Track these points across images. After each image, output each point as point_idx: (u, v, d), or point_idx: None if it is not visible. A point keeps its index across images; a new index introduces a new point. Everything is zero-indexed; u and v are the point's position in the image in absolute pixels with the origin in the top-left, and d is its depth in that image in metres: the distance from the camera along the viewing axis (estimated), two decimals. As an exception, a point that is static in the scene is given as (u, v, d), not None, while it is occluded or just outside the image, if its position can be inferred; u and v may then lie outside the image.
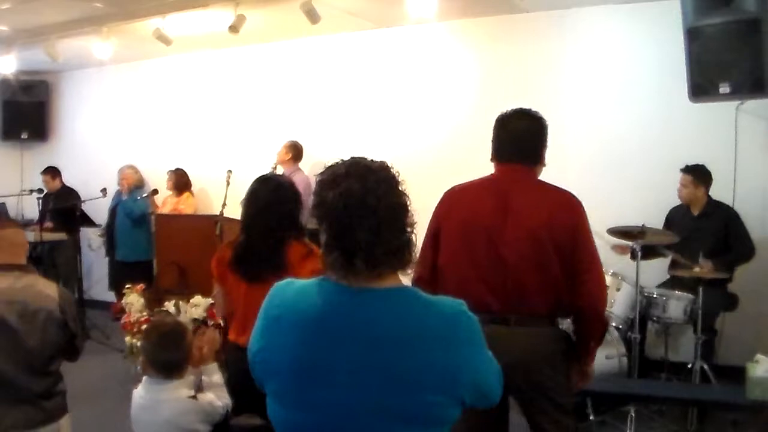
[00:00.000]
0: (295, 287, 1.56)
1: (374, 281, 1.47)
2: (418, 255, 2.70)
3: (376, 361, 1.42)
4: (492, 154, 2.78)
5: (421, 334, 1.44)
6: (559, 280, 2.54)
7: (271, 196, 2.98)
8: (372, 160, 1.54)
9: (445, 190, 2.83)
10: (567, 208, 2.60)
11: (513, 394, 2.63)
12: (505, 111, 2.78)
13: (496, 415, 2.66)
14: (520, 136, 2.71)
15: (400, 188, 1.52)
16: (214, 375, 2.61)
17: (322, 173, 1.53)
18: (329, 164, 1.53)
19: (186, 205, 7.16)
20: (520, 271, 2.52)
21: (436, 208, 2.76)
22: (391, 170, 1.54)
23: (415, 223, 1.54)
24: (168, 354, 2.53)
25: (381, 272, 1.47)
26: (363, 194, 1.43)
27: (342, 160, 1.53)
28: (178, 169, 7.32)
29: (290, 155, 6.63)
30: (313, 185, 1.56)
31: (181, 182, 7.28)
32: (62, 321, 2.71)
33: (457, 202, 2.72)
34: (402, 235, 1.49)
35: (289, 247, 2.93)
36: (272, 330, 1.54)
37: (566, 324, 2.80)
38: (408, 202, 1.52)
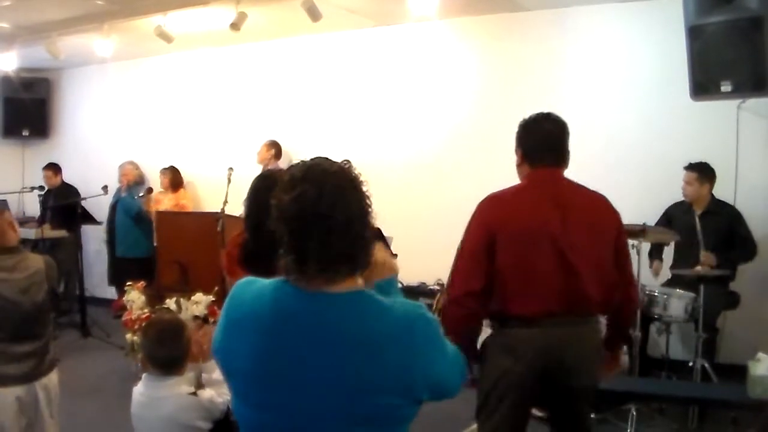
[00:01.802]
0: (254, 289, 1.55)
1: (329, 285, 1.46)
2: (458, 266, 2.68)
3: (331, 365, 1.41)
4: (523, 158, 2.76)
5: (377, 338, 1.43)
6: (615, 278, 2.66)
7: (271, 194, 2.95)
8: (333, 163, 1.50)
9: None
10: (609, 208, 2.73)
11: (561, 393, 2.64)
12: (529, 116, 2.77)
13: (528, 415, 2.72)
14: (555, 140, 2.73)
15: (358, 191, 1.49)
16: (215, 372, 2.61)
17: (283, 172, 1.52)
18: (292, 164, 1.52)
19: (187, 200, 7.18)
20: (583, 273, 2.56)
21: (483, 216, 2.68)
22: (352, 173, 1.50)
23: (374, 224, 1.51)
24: (166, 350, 2.53)
25: (334, 277, 1.46)
26: (317, 200, 1.41)
27: (303, 161, 1.51)
28: (171, 167, 7.34)
29: (272, 152, 6.70)
30: None
31: (176, 179, 7.31)
32: (49, 286, 3.13)
33: (509, 210, 2.67)
34: (357, 240, 1.47)
35: None
36: (231, 331, 1.54)
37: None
38: (367, 206, 1.50)
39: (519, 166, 2.78)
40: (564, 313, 2.55)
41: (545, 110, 2.79)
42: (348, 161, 1.54)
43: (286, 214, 1.44)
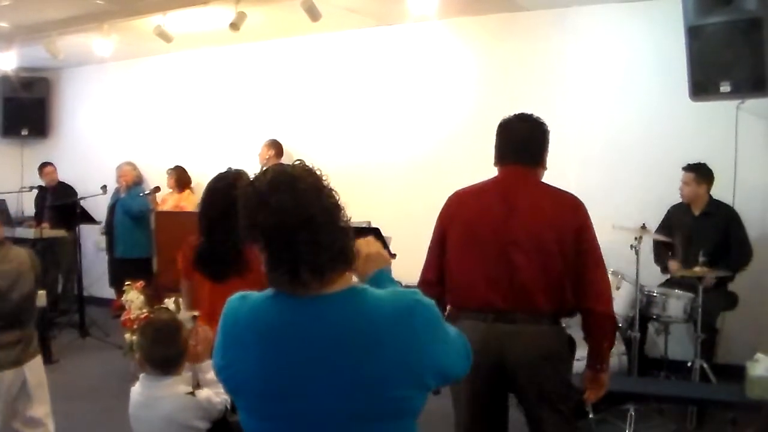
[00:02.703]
0: (249, 303, 1.54)
1: (323, 287, 1.45)
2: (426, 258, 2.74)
3: (338, 367, 1.41)
4: (495, 159, 2.81)
5: (378, 332, 1.42)
6: (563, 280, 2.58)
7: (229, 196, 2.94)
8: (293, 166, 1.50)
9: (446, 186, 2.86)
10: (571, 209, 2.65)
11: (515, 392, 2.66)
12: (506, 116, 2.80)
13: (497, 410, 2.70)
14: (522, 139, 2.75)
15: (326, 188, 1.49)
16: (209, 372, 2.60)
17: (241, 191, 1.49)
18: (248, 181, 1.50)
19: (188, 202, 7.16)
20: (525, 270, 2.55)
21: (441, 212, 2.82)
22: (315, 172, 1.50)
23: (349, 218, 1.51)
24: (163, 350, 2.52)
25: (328, 277, 1.45)
26: (295, 205, 1.41)
27: (257, 174, 1.50)
28: (177, 167, 7.33)
29: (273, 152, 6.68)
30: None
31: (182, 179, 7.29)
32: (35, 277, 3.28)
33: (462, 205, 2.77)
34: (341, 234, 1.47)
35: (250, 247, 2.92)
36: (233, 349, 1.53)
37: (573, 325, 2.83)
38: (338, 200, 1.50)
39: (495, 165, 2.82)
40: (511, 311, 2.56)
41: (545, 110, 2.80)
42: (301, 161, 1.53)
43: (268, 229, 1.43)
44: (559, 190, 2.71)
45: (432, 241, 2.79)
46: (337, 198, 1.50)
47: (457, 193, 2.85)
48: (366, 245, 1.69)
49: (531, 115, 2.78)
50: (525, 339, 2.54)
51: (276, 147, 6.74)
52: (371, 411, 1.42)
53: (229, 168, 3.24)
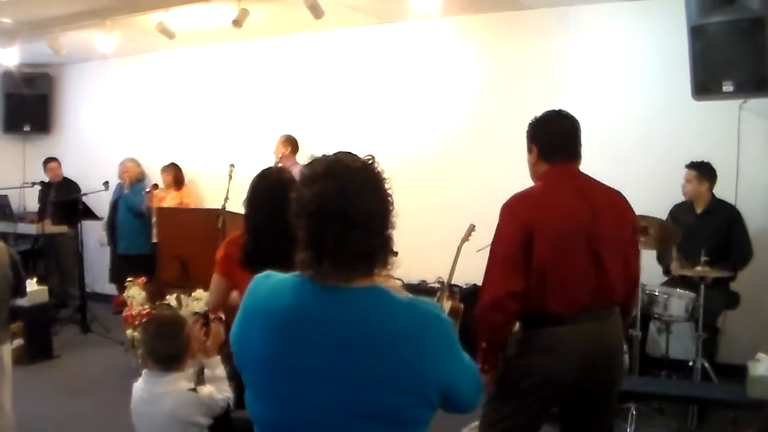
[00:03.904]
0: (271, 282, 1.56)
1: (344, 282, 1.45)
2: (494, 270, 2.61)
3: (343, 361, 1.41)
4: (539, 155, 2.71)
5: (389, 333, 1.42)
6: (637, 271, 2.77)
7: (275, 193, 2.89)
8: (356, 158, 1.49)
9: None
10: (628, 204, 2.78)
11: (586, 393, 2.63)
12: (541, 113, 2.75)
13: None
14: (570, 135, 2.72)
15: (380, 189, 1.48)
16: (217, 368, 2.61)
17: (305, 166, 1.50)
18: (315, 157, 1.50)
19: (190, 199, 7.18)
20: (613, 268, 2.59)
21: (517, 215, 2.61)
22: (374, 170, 1.49)
23: (395, 223, 1.50)
24: (166, 346, 2.53)
25: (350, 274, 1.45)
26: (336, 197, 1.41)
27: (325, 155, 1.50)
28: (173, 164, 7.33)
29: (289, 149, 6.63)
30: None
31: (180, 176, 7.30)
32: (13, 266, 3.70)
33: (545, 207, 2.62)
34: (375, 238, 1.46)
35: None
36: (246, 325, 1.54)
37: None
38: (389, 203, 1.49)
39: (534, 164, 2.74)
40: (596, 308, 2.57)
41: (547, 109, 2.78)
42: (372, 157, 1.52)
43: (306, 209, 1.44)
44: (605, 184, 2.77)
45: (508, 250, 2.56)
46: (390, 203, 1.49)
47: (524, 195, 2.69)
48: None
49: (566, 111, 2.75)
50: (612, 332, 2.64)
51: (292, 143, 6.63)
52: (367, 410, 1.41)
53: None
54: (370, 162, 1.50)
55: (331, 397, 1.41)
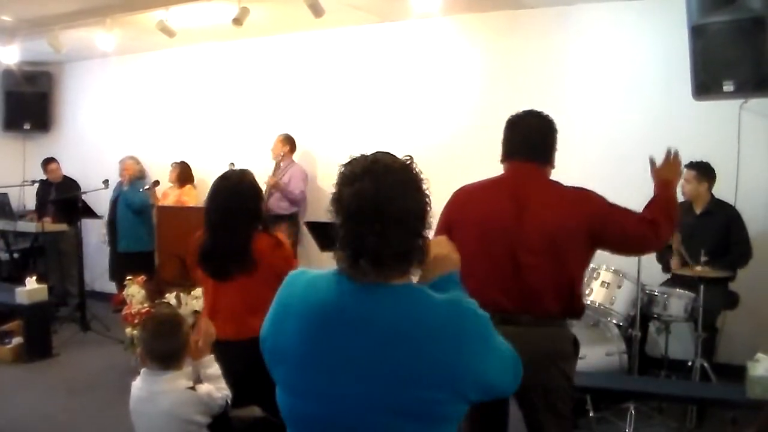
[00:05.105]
0: (307, 277, 1.57)
1: (381, 280, 1.47)
2: None
3: (378, 357, 1.42)
4: (502, 155, 2.75)
5: (423, 330, 1.43)
6: (574, 281, 2.57)
7: (233, 194, 2.97)
8: (395, 159, 1.50)
9: (449, 184, 2.82)
10: (584, 201, 2.61)
11: (517, 395, 2.60)
12: (515, 113, 2.77)
13: (498, 415, 2.68)
14: (532, 135, 2.70)
15: (419, 190, 1.49)
16: (210, 368, 2.61)
17: (344, 164, 1.51)
18: (354, 156, 1.51)
19: (189, 197, 7.16)
20: (535, 272, 2.52)
21: (447, 207, 2.73)
22: (412, 170, 1.50)
23: (431, 223, 1.51)
24: (164, 344, 2.52)
25: (387, 273, 1.46)
26: (375, 197, 1.42)
27: (364, 155, 1.50)
28: (182, 162, 7.33)
29: (287, 148, 6.65)
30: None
31: (183, 174, 7.29)
32: None
33: (469, 203, 2.69)
34: (413, 239, 1.47)
35: (257, 240, 2.94)
36: (281, 319, 1.55)
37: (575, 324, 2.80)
38: (427, 205, 1.50)
39: (501, 162, 2.77)
40: (518, 312, 2.51)
41: (548, 108, 2.78)
42: (410, 157, 1.53)
43: (344, 208, 1.45)
44: (566, 186, 2.66)
45: (435, 235, 2.70)
46: (427, 204, 1.50)
47: (463, 189, 2.78)
48: (436, 246, 1.66)
49: (541, 112, 2.74)
50: (530, 341, 2.46)
51: (290, 142, 6.67)
52: (400, 406, 1.41)
53: (232, 164, 3.26)
54: (408, 162, 1.52)
55: (366, 393, 1.42)
